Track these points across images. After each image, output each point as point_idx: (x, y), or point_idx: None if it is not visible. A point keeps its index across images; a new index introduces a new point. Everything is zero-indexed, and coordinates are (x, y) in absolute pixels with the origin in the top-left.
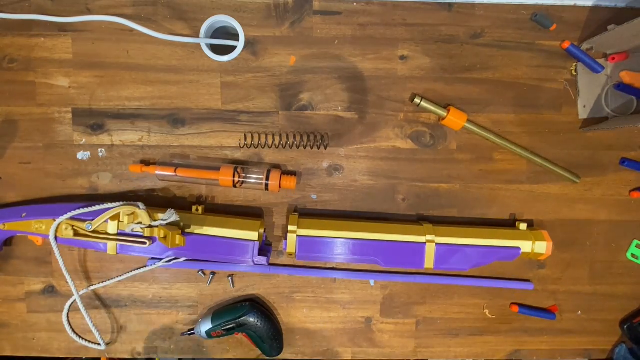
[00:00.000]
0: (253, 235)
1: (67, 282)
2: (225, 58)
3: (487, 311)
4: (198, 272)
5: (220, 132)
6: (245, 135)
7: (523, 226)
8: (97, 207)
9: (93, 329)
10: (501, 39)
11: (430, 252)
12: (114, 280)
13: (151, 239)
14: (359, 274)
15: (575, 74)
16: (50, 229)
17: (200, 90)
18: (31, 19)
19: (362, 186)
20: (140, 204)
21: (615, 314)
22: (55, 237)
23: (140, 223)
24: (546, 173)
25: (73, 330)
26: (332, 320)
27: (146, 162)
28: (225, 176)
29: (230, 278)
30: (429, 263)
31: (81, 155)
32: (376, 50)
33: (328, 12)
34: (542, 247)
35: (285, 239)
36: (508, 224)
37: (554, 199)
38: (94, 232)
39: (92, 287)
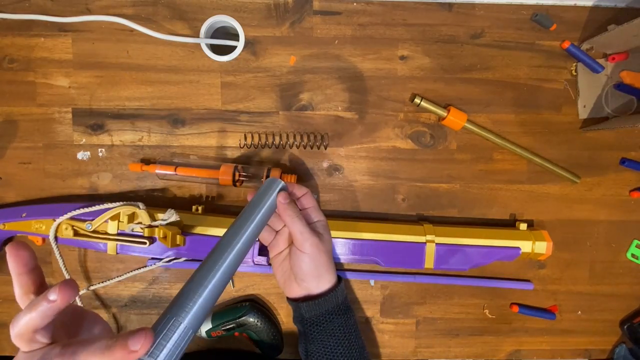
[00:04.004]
0: None
1: None
2: (225, 58)
3: (487, 311)
4: None
5: (220, 132)
6: (245, 135)
7: (523, 226)
8: (97, 207)
9: None
10: (501, 39)
11: (430, 252)
12: (114, 280)
13: (151, 239)
14: (359, 274)
15: (575, 74)
16: (50, 229)
17: (200, 90)
18: (31, 19)
19: (362, 186)
20: (140, 204)
21: (615, 314)
22: (55, 237)
23: (140, 223)
24: (546, 173)
25: None
26: None
27: (146, 161)
28: (225, 175)
29: None
30: (429, 263)
31: (81, 155)
32: (376, 50)
33: (328, 12)
34: (542, 247)
35: None
36: (508, 224)
37: (554, 199)
38: (94, 232)
39: (92, 287)
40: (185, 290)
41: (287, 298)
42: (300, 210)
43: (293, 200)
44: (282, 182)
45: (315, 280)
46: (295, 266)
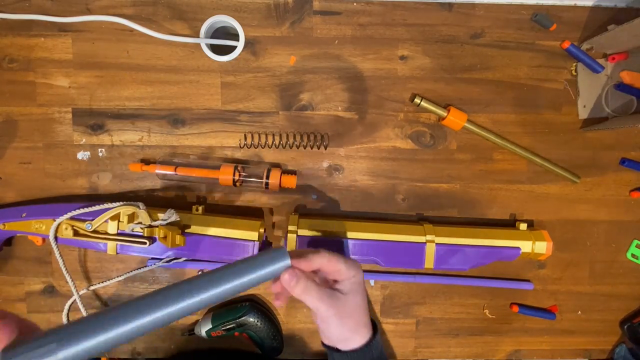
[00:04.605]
0: (253, 235)
1: (67, 282)
2: (225, 58)
3: (487, 311)
4: (198, 272)
5: (220, 132)
6: (245, 135)
7: (523, 226)
8: (97, 207)
9: None
10: (501, 39)
11: (430, 252)
12: (114, 280)
13: (151, 239)
14: None
15: (575, 74)
16: (50, 229)
17: (200, 90)
18: (31, 19)
19: (362, 186)
20: (140, 204)
21: (615, 314)
22: (55, 237)
23: (140, 223)
24: (546, 173)
25: None
26: None
27: (146, 161)
28: (225, 174)
29: None
30: (429, 263)
31: (81, 155)
32: (376, 50)
33: (328, 12)
34: (542, 247)
35: (285, 238)
36: (508, 224)
37: (554, 199)
38: (94, 232)
39: (92, 287)
40: (95, 319)
41: (322, 342)
42: (326, 279)
43: (300, 272)
44: (289, 259)
45: (342, 342)
46: (321, 327)
